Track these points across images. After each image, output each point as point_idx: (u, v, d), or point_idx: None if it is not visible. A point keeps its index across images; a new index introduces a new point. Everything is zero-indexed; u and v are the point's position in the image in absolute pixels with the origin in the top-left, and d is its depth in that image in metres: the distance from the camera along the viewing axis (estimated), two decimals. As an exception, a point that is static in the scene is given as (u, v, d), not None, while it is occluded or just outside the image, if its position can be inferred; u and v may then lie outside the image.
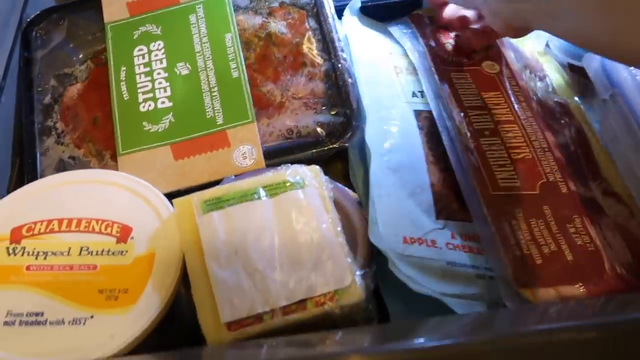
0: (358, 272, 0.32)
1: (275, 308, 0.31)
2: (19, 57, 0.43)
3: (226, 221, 0.33)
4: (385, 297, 0.36)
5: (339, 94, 0.39)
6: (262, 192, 0.34)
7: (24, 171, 0.39)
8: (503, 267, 0.36)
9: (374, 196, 0.37)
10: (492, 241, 0.37)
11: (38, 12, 0.44)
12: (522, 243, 0.37)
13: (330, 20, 0.41)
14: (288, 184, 0.34)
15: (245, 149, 0.38)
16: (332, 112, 0.39)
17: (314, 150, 0.38)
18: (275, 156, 0.38)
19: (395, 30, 0.45)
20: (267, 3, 0.43)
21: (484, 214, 0.37)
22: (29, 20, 0.44)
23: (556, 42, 0.46)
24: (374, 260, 0.36)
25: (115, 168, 0.38)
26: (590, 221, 0.38)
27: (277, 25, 0.42)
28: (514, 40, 0.47)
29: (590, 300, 0.35)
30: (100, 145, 0.40)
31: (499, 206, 0.38)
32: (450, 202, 0.39)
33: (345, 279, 0.32)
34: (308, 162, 0.38)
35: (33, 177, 0.39)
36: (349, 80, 0.39)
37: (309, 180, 0.35)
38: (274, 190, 0.34)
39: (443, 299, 0.35)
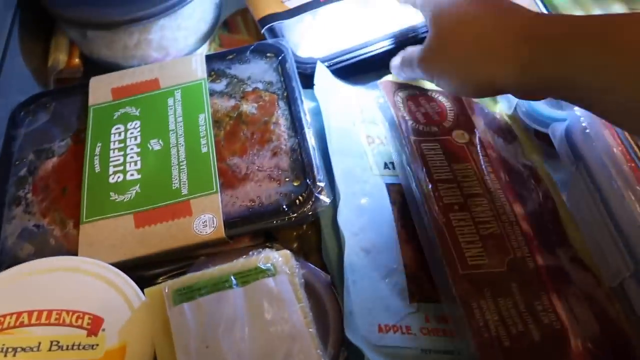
0: None
1: None
2: (4, 135, 0.45)
3: (197, 313, 0.33)
4: None
5: (303, 166, 0.40)
6: (234, 281, 0.34)
7: (-12, 239, 0.40)
8: (472, 350, 0.34)
9: (349, 283, 0.36)
10: (461, 323, 0.35)
11: (29, 97, 0.47)
12: (490, 324, 0.36)
13: (299, 102, 0.44)
14: (259, 272, 0.34)
15: (207, 217, 0.38)
16: (295, 184, 0.40)
17: (274, 221, 0.38)
18: (236, 226, 0.38)
19: (367, 96, 0.47)
20: (241, 88, 0.46)
21: (453, 294, 0.36)
22: (19, 103, 0.47)
23: (523, 108, 0.47)
24: (344, 347, 0.34)
25: (77, 236, 0.39)
26: (557, 296, 0.37)
27: (249, 107, 0.44)
28: (482, 103, 0.48)
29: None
30: (65, 214, 0.40)
31: (468, 286, 0.37)
32: (423, 283, 0.38)
33: None
34: (271, 230, 0.38)
35: (-5, 245, 0.39)
36: (313, 153, 0.40)
37: (280, 266, 0.35)
38: (245, 278, 0.34)
39: None
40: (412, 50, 0.41)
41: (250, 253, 0.36)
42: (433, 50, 0.38)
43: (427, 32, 0.47)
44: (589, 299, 0.39)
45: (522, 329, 0.35)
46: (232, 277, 0.34)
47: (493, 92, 0.37)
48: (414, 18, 0.50)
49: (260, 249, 0.36)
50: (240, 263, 0.35)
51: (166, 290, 0.33)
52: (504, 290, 0.37)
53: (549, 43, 0.31)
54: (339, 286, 0.37)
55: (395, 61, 0.45)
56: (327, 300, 0.36)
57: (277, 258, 0.35)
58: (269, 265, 0.34)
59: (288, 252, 0.36)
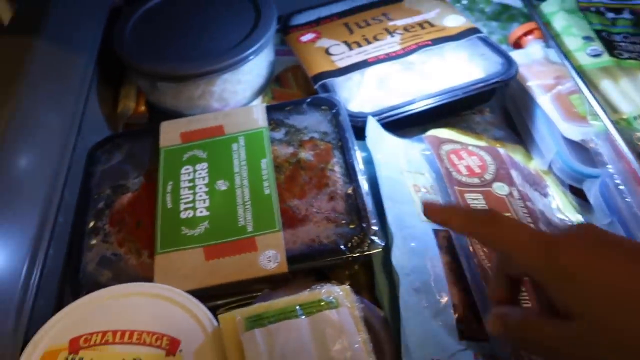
0: None
1: None
2: (83, 171, 0.49)
3: (267, 339, 0.36)
4: None
5: (358, 210, 0.44)
6: (299, 311, 0.37)
7: (70, 266, 0.43)
8: None
9: (403, 320, 0.39)
10: (508, 362, 0.38)
11: (105, 137, 0.52)
12: (534, 362, 0.38)
13: (352, 152, 0.48)
14: (323, 303, 0.37)
15: (271, 253, 0.42)
16: (351, 226, 0.43)
17: (332, 258, 0.41)
18: (297, 262, 0.41)
19: (413, 148, 0.51)
20: (299, 137, 0.50)
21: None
22: (96, 143, 0.52)
23: (557, 164, 0.51)
24: None
25: (152, 265, 0.42)
26: None
27: (306, 154, 0.48)
28: (519, 159, 0.52)
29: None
30: (140, 245, 0.44)
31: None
32: (471, 322, 0.41)
33: None
34: (328, 269, 0.42)
35: (75, 272, 0.43)
36: (367, 199, 0.44)
37: (342, 300, 0.38)
38: (309, 309, 0.37)
39: None
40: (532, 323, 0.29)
41: (313, 287, 0.39)
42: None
43: (466, 93, 0.52)
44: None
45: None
46: (297, 308, 0.37)
47: None
48: (453, 80, 0.55)
49: (322, 284, 0.39)
50: (305, 295, 0.38)
51: (238, 317, 0.36)
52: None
53: None
54: (392, 323, 0.40)
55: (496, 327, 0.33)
56: (383, 334, 0.38)
57: (338, 292, 0.38)
58: (331, 298, 0.38)
59: (348, 287, 0.39)
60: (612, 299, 0.24)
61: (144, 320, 0.37)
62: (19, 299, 0.37)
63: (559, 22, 0.59)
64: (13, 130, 0.43)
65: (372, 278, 0.43)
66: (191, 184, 0.47)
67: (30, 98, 0.46)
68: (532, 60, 0.59)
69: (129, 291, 0.38)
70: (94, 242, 0.45)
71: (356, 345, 0.35)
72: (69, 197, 0.47)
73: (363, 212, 0.44)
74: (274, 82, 0.65)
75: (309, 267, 0.42)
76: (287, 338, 0.35)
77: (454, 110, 0.58)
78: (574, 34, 0.58)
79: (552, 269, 0.26)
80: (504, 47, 0.60)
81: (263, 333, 0.35)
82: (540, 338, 0.27)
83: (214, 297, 0.41)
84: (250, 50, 0.55)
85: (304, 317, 0.37)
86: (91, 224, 0.46)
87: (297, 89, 0.64)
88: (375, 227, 0.43)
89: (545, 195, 0.52)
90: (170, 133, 0.51)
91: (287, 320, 0.36)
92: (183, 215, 0.45)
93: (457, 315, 0.41)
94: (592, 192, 0.47)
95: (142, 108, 0.61)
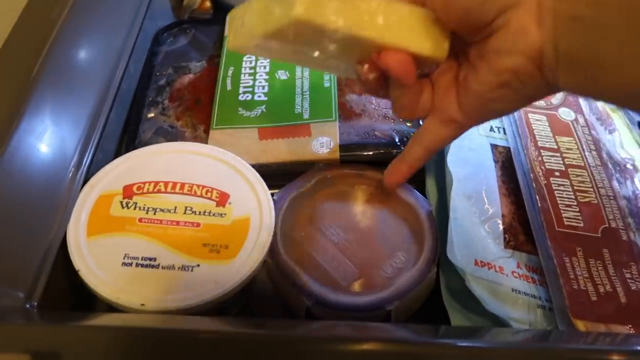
0: None
1: None
2: (148, 50, 0.50)
3: None
4: (448, 307, 0.37)
5: (417, 111, 0.43)
6: None
7: (127, 131, 0.45)
8: (561, 297, 0.36)
9: (452, 218, 0.39)
10: (554, 273, 0.37)
11: (172, 22, 0.53)
12: (580, 279, 0.37)
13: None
14: None
15: (324, 140, 0.42)
16: (408, 124, 0.42)
17: (384, 151, 0.41)
18: (349, 150, 0.41)
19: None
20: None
21: (548, 247, 0.38)
22: (164, 26, 0.52)
23: None
24: (434, 266, 0.37)
25: (206, 139, 0.43)
26: (647, 270, 0.38)
27: (370, 55, 0.47)
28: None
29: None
30: (197, 120, 0.44)
31: (563, 242, 0.38)
32: (517, 234, 0.40)
33: None
34: (379, 162, 0.41)
35: (133, 137, 0.44)
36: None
37: None
38: None
39: (509, 321, 0.35)
40: None
41: None
42: None
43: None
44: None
45: (610, 290, 0.37)
46: None
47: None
48: None
49: None
50: None
51: None
52: (595, 253, 0.38)
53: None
54: (436, 217, 0.39)
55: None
56: (426, 224, 0.38)
57: None
58: None
59: None
60: None
61: (195, 175, 0.37)
62: (81, 150, 0.38)
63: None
64: (87, 3, 0.44)
65: (424, 182, 0.43)
66: (252, 71, 0.47)
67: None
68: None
69: (183, 148, 0.39)
70: (152, 114, 0.45)
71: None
72: (133, 70, 0.47)
73: (422, 113, 0.43)
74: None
75: (361, 157, 0.41)
76: None
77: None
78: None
79: None
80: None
81: None
82: None
83: (264, 177, 0.42)
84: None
85: None
86: (151, 97, 0.47)
87: None
88: (432, 128, 0.42)
89: (610, 132, 0.49)
90: (235, 23, 0.51)
91: None
92: (241, 97, 0.45)
93: (504, 225, 0.40)
94: (665, 124, 0.45)
95: (207, 4, 0.60)
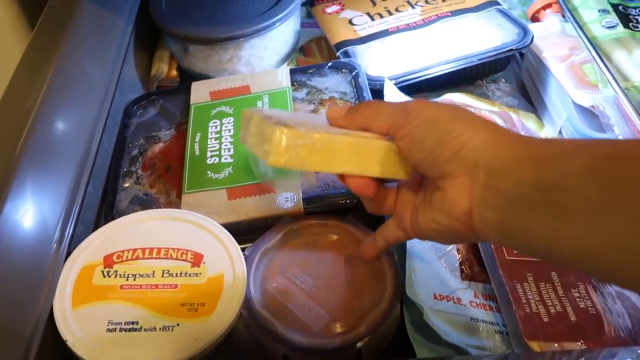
0: None
1: None
2: (120, 123, 0.54)
3: None
4: (412, 341, 0.40)
5: (371, 161, 0.47)
6: None
7: (105, 202, 0.48)
8: (515, 322, 0.39)
9: (409, 259, 0.43)
10: (506, 299, 0.41)
11: (140, 95, 0.56)
12: (531, 302, 0.41)
13: (369, 109, 0.51)
14: None
15: (288, 195, 0.45)
16: (364, 174, 0.46)
17: (344, 200, 0.44)
18: (312, 202, 0.45)
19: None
20: (319, 96, 0.53)
21: (500, 275, 0.42)
22: (133, 99, 0.56)
23: (568, 130, 0.54)
24: (396, 304, 0.40)
25: (179, 204, 0.46)
26: (593, 288, 0.42)
27: (326, 111, 0.52)
28: (531, 125, 0.54)
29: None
30: (169, 186, 0.48)
31: (513, 269, 0.42)
32: (473, 265, 0.44)
33: None
34: (341, 210, 0.45)
35: (111, 207, 0.47)
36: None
37: None
38: None
39: (468, 349, 0.38)
40: None
41: None
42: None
43: (481, 60, 0.54)
44: (622, 297, 0.43)
45: (560, 310, 0.40)
46: None
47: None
48: (470, 48, 0.57)
49: None
50: None
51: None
52: (545, 277, 0.42)
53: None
54: (399, 259, 0.43)
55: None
56: (386, 264, 0.41)
57: None
58: None
59: None
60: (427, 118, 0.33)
61: (170, 239, 0.40)
62: (62, 225, 0.41)
63: (577, -5, 0.61)
64: (60, 79, 0.47)
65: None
66: (218, 135, 0.51)
67: (76, 52, 0.50)
68: (548, 32, 0.61)
69: (157, 215, 0.43)
70: (127, 184, 0.49)
71: None
72: (107, 144, 0.51)
73: (376, 162, 0.47)
74: (299, 52, 0.68)
75: (323, 208, 0.45)
76: None
77: (470, 78, 0.61)
78: (590, 7, 0.59)
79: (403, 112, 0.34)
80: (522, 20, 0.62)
81: None
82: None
83: (234, 234, 0.45)
84: (277, 17, 0.59)
85: None
86: (125, 168, 0.50)
87: (320, 59, 0.68)
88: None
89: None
90: (200, 91, 0.55)
91: None
92: (209, 161, 0.49)
93: (460, 258, 0.44)
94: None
95: (174, 72, 0.65)
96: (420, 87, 0.57)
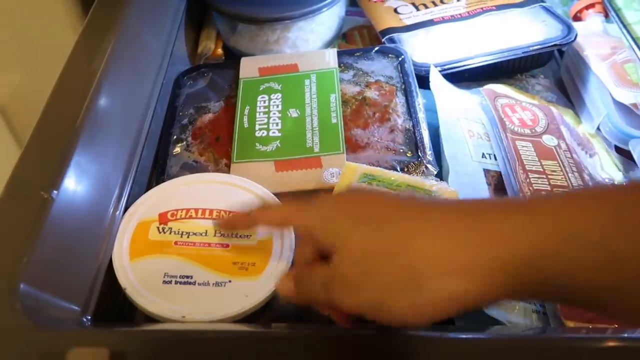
0: None
1: None
2: (171, 92, 0.56)
3: None
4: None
5: (415, 143, 0.48)
6: (403, 187, 0.44)
7: (156, 167, 0.49)
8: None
9: None
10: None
11: (191, 67, 0.58)
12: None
13: (414, 94, 0.52)
14: (425, 192, 0.44)
15: (334, 170, 0.47)
16: (409, 154, 0.48)
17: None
18: (357, 179, 0.46)
19: (471, 99, 0.55)
20: (365, 79, 0.55)
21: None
22: (184, 70, 0.58)
23: (606, 127, 0.54)
24: None
25: (228, 172, 0.48)
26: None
27: (371, 93, 0.53)
28: (569, 120, 0.55)
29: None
30: (219, 155, 0.49)
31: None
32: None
33: None
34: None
35: (161, 172, 0.49)
36: (424, 135, 0.49)
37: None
38: (412, 188, 0.44)
39: (507, 323, 0.40)
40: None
41: (430, 178, 0.46)
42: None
43: (525, 53, 0.55)
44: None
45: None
46: (403, 184, 0.44)
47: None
48: (513, 42, 0.58)
49: (438, 180, 0.46)
50: (417, 179, 0.45)
51: (360, 169, 0.45)
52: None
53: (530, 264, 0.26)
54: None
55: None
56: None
57: (446, 192, 0.44)
58: (435, 190, 0.44)
59: (456, 192, 0.45)
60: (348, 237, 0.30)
61: (222, 201, 0.42)
62: (121, 184, 0.42)
63: (622, -3, 0.62)
64: (119, 50, 0.49)
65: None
66: (266, 110, 0.52)
67: (135, 25, 0.52)
68: (590, 32, 0.62)
69: (209, 179, 0.44)
70: (177, 150, 0.51)
71: None
72: (160, 112, 0.53)
73: (420, 144, 0.48)
74: (341, 38, 0.69)
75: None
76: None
77: (511, 71, 0.62)
78: (635, 8, 0.60)
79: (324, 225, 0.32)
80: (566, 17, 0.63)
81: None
82: (313, 279, 0.32)
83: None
84: (325, 2, 0.60)
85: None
86: (175, 136, 0.52)
87: (362, 46, 0.69)
88: (430, 157, 0.47)
89: (591, 155, 0.55)
90: (249, 67, 0.57)
91: (389, 190, 0.43)
92: (258, 134, 0.50)
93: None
94: (637, 149, 0.50)
95: (220, 51, 0.67)
96: (463, 77, 0.58)
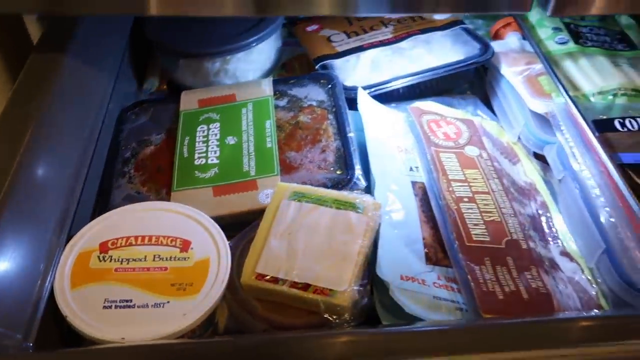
0: (355, 287, 0.42)
1: (289, 280, 0.42)
2: (114, 128, 0.58)
3: (298, 211, 0.46)
4: (380, 314, 0.44)
5: (345, 161, 0.52)
6: (332, 204, 0.47)
7: (100, 200, 0.52)
8: (473, 299, 0.44)
9: (380, 246, 0.47)
10: (465, 280, 0.45)
11: (134, 102, 0.61)
12: (488, 282, 0.45)
13: (344, 115, 0.56)
14: (350, 205, 0.46)
15: (269, 191, 0.50)
16: (339, 172, 0.51)
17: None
18: (291, 198, 0.49)
19: (398, 116, 0.59)
20: (299, 104, 0.58)
21: (460, 259, 0.46)
22: (127, 106, 0.60)
23: (524, 135, 0.59)
24: (368, 283, 0.44)
25: (169, 200, 0.50)
26: (546, 272, 0.46)
27: (304, 117, 0.57)
28: (492, 132, 0.60)
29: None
30: (159, 185, 0.52)
31: (472, 254, 0.47)
32: (437, 252, 0.48)
33: (342, 284, 0.41)
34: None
35: (105, 205, 0.51)
36: (353, 152, 0.52)
37: (368, 210, 0.47)
38: (340, 204, 0.47)
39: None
40: None
41: (356, 192, 0.48)
42: None
43: (446, 72, 0.59)
44: (572, 281, 0.48)
45: (514, 289, 0.45)
46: (332, 201, 0.47)
47: None
48: (436, 62, 0.63)
49: (363, 193, 0.49)
50: (343, 194, 0.47)
51: (290, 188, 0.47)
52: (500, 261, 0.46)
53: None
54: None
55: None
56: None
57: (370, 203, 0.47)
58: (360, 204, 0.47)
59: (379, 203, 0.47)
60: None
61: (161, 228, 0.44)
62: (60, 220, 0.44)
63: (534, 16, 0.67)
64: (60, 91, 0.51)
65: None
66: (205, 139, 0.55)
67: (75, 69, 0.54)
68: (509, 49, 0.67)
69: (149, 207, 0.47)
70: (120, 182, 0.53)
71: (354, 246, 0.44)
72: (102, 148, 0.55)
73: (349, 161, 0.52)
74: (281, 68, 0.73)
75: (300, 203, 0.49)
76: (310, 217, 0.45)
77: (438, 90, 0.66)
78: (545, 25, 0.65)
79: None
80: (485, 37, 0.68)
81: (297, 206, 0.46)
82: None
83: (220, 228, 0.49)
84: (261, 34, 0.64)
85: (331, 208, 0.46)
86: (118, 169, 0.54)
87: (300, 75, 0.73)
88: (358, 173, 0.50)
89: (514, 163, 0.59)
90: (189, 100, 0.60)
91: (318, 205, 0.46)
92: (197, 162, 0.53)
93: (425, 245, 0.48)
94: (550, 154, 0.54)
95: (164, 87, 0.70)
96: (393, 97, 0.62)
